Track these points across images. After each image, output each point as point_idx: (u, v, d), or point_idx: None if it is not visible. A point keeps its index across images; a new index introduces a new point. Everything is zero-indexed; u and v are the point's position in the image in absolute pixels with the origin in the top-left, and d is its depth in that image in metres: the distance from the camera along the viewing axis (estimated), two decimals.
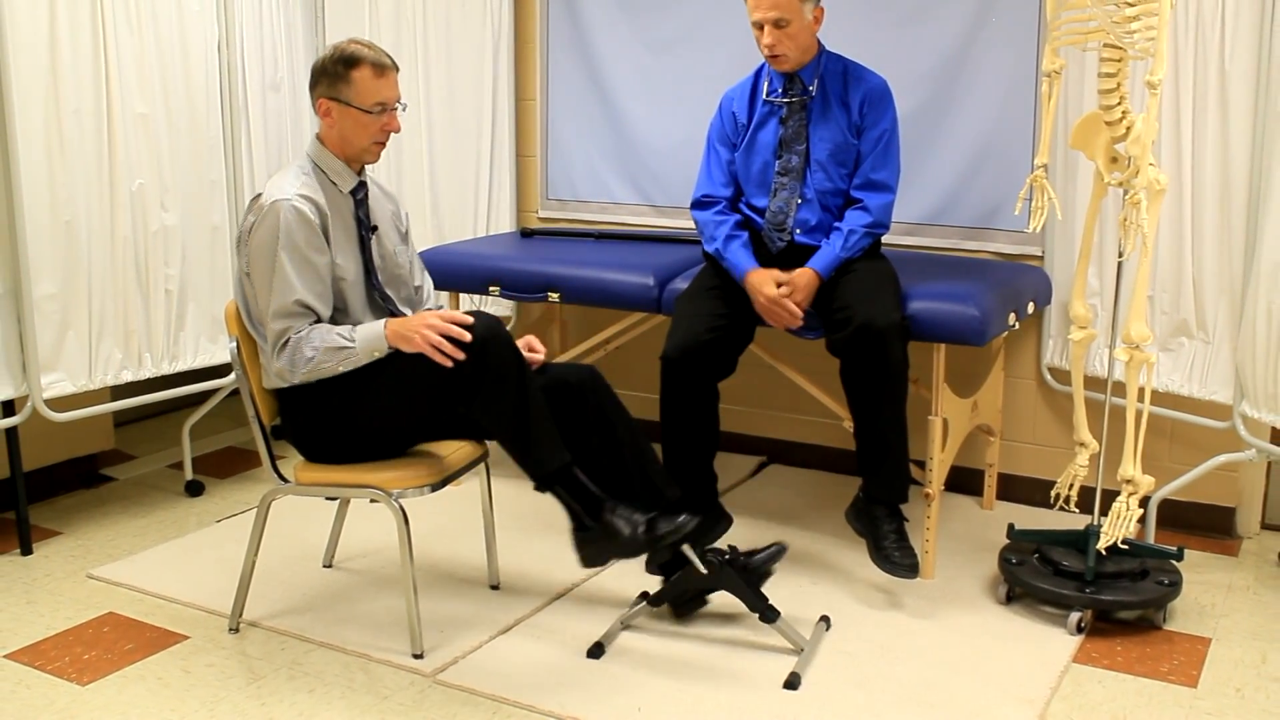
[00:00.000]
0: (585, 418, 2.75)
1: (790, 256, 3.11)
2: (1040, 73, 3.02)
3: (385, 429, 2.71)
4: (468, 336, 2.53)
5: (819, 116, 3.11)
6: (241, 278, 2.70)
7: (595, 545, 2.65)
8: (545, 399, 2.64)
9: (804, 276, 3.04)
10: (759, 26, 3.03)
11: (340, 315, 2.72)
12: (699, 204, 3.24)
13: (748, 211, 3.21)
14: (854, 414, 3.00)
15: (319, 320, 2.64)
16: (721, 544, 2.88)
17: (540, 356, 2.79)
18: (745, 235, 3.15)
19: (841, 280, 3.02)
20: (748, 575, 2.78)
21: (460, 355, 2.53)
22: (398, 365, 2.59)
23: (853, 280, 3.01)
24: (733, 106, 3.22)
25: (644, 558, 2.78)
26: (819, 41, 3.13)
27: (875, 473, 3.02)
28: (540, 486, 2.64)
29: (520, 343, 2.71)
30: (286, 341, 2.61)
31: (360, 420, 2.68)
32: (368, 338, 2.61)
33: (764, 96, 3.17)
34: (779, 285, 3.03)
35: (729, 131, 3.22)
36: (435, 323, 2.56)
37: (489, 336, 2.56)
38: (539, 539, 3.32)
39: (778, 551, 2.84)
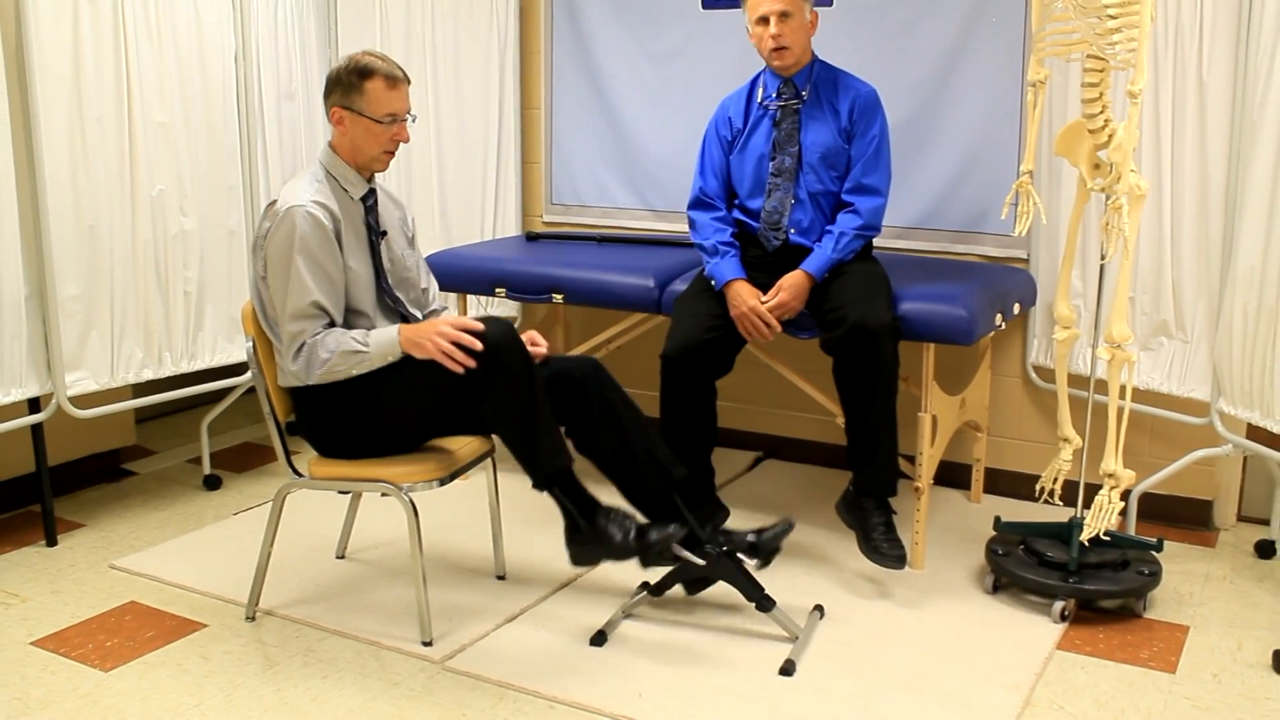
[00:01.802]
0: (590, 406, 2.75)
1: (784, 256, 3.11)
2: (1026, 83, 3.02)
3: (396, 426, 2.71)
4: (478, 345, 2.52)
5: (811, 120, 3.12)
6: (257, 281, 2.69)
7: (586, 547, 2.67)
8: (550, 392, 2.65)
9: (795, 278, 3.03)
10: (764, 21, 3.04)
11: (352, 317, 2.72)
12: (697, 203, 3.24)
13: (741, 215, 3.21)
14: (845, 410, 3.00)
15: (332, 322, 2.64)
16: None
17: (543, 350, 2.79)
18: (737, 248, 3.15)
19: (835, 282, 3.03)
20: (758, 552, 2.79)
21: (470, 363, 2.52)
22: (410, 367, 2.59)
23: (845, 282, 3.01)
24: (728, 111, 3.23)
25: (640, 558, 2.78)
26: (812, 49, 3.14)
27: (865, 467, 3.01)
28: (539, 486, 2.65)
29: (523, 338, 2.71)
30: (302, 345, 2.61)
31: (372, 418, 2.67)
32: (381, 343, 2.60)
33: (759, 101, 3.18)
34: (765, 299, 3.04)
35: (724, 135, 3.22)
36: (447, 330, 2.55)
37: (503, 341, 2.56)
38: (543, 531, 3.32)
39: (786, 528, 2.84)
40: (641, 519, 2.71)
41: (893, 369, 2.94)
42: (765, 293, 3.08)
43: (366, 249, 2.76)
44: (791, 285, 3.04)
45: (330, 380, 2.62)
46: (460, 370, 2.53)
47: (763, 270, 3.13)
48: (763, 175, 3.15)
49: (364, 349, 2.60)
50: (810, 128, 3.12)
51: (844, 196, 3.11)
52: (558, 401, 2.68)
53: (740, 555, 2.77)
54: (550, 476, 2.63)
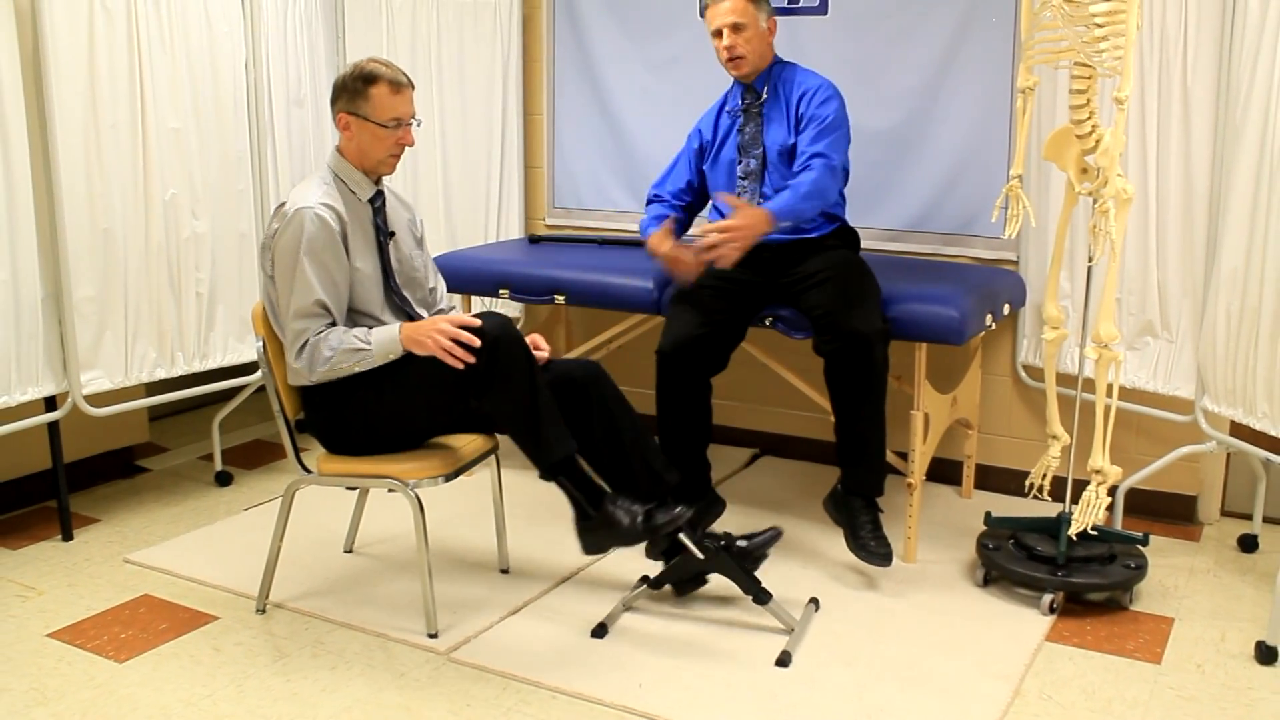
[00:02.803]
0: (590, 410, 2.75)
1: (755, 254, 3.11)
2: (1015, 89, 3.02)
3: (401, 423, 2.71)
4: (477, 342, 2.53)
5: (770, 121, 3.15)
6: (266, 281, 2.70)
7: (596, 534, 2.66)
8: (551, 393, 2.65)
9: (755, 211, 2.93)
10: (718, 34, 3.09)
11: (361, 316, 2.72)
12: (648, 201, 3.32)
13: (715, 217, 3.23)
14: (836, 411, 3.00)
15: (334, 322, 2.65)
16: (718, 529, 2.89)
17: (545, 354, 2.80)
18: (666, 216, 3.20)
19: (826, 284, 3.01)
20: (745, 558, 2.79)
21: (470, 358, 2.53)
22: (413, 365, 2.60)
23: (837, 285, 3.00)
24: (700, 125, 3.29)
25: (644, 546, 2.78)
26: (774, 52, 3.18)
27: (854, 466, 3.01)
28: (545, 475, 2.65)
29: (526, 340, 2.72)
30: (305, 343, 2.61)
31: (378, 415, 2.68)
32: (383, 340, 2.61)
33: (727, 110, 3.21)
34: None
35: (694, 147, 3.29)
36: (446, 327, 2.55)
37: (500, 334, 2.56)
38: (546, 526, 3.32)
39: (774, 536, 2.84)
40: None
41: (883, 373, 2.94)
42: (751, 305, 3.12)
43: (374, 249, 2.76)
44: (749, 213, 2.91)
45: (333, 377, 2.63)
46: (460, 366, 2.54)
47: (744, 268, 3.13)
48: (733, 179, 3.18)
49: (366, 346, 2.60)
50: (771, 128, 3.15)
51: (795, 166, 3.08)
52: (559, 403, 2.68)
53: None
54: (556, 465, 2.62)
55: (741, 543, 2.81)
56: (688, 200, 3.32)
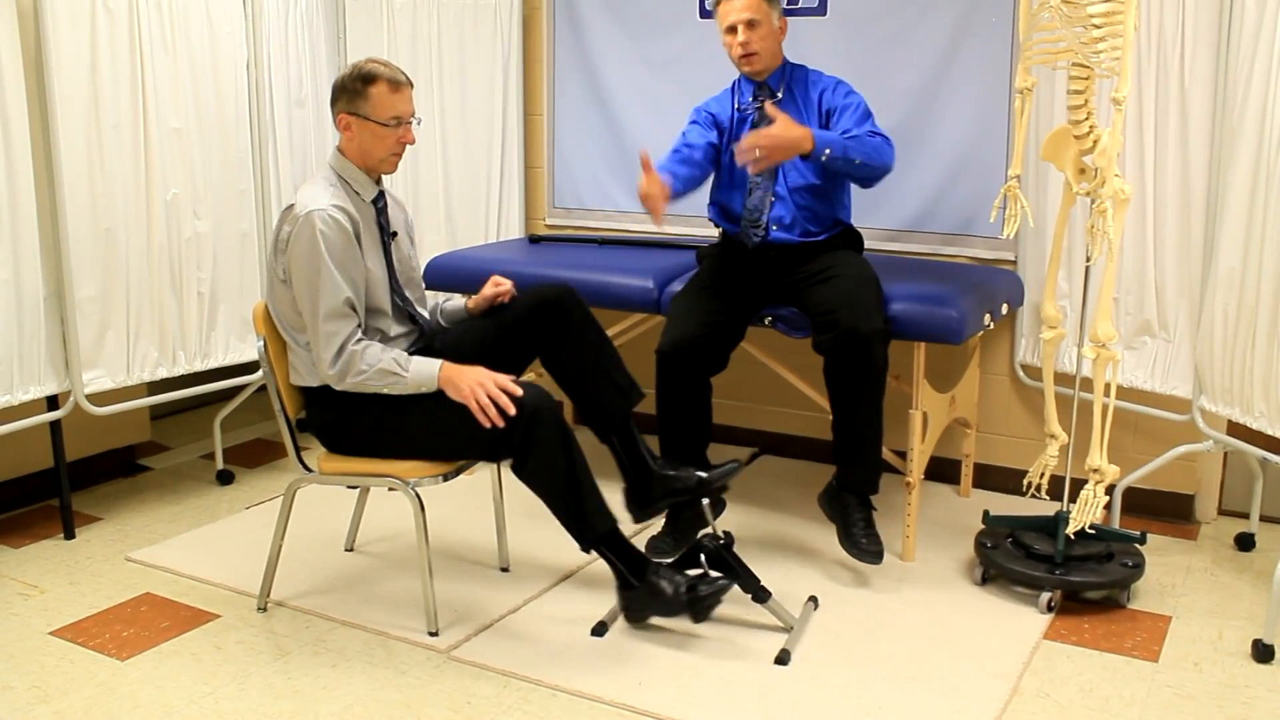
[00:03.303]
0: (562, 328, 2.80)
1: (765, 252, 3.11)
2: (1013, 90, 3.02)
3: (411, 447, 2.69)
4: (512, 410, 2.51)
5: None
6: (275, 283, 2.68)
7: (640, 603, 2.68)
8: (527, 316, 2.74)
9: (797, 127, 2.87)
10: (732, 30, 3.08)
11: (371, 316, 2.71)
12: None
13: (720, 218, 3.23)
14: (833, 408, 3.00)
15: (360, 323, 2.63)
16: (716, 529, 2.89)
17: (507, 287, 2.86)
18: (677, 169, 3.08)
19: (827, 283, 3.01)
20: (706, 488, 2.82)
21: (500, 422, 2.52)
22: (441, 403, 2.57)
23: (838, 284, 3.00)
24: (711, 110, 3.24)
25: (637, 529, 2.79)
26: (783, 53, 3.18)
27: (849, 464, 3.01)
28: (586, 548, 2.65)
29: (488, 282, 2.80)
30: (342, 349, 2.58)
31: (390, 433, 2.66)
32: (419, 373, 2.58)
33: (736, 107, 3.20)
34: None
35: (709, 115, 3.22)
36: (488, 385, 2.53)
37: (539, 406, 2.55)
38: (546, 525, 3.29)
39: (734, 468, 2.87)
40: (691, 573, 2.70)
41: (882, 372, 2.94)
42: (751, 305, 3.11)
43: (380, 249, 2.76)
44: (791, 125, 2.86)
45: (359, 391, 2.61)
46: (488, 425, 2.52)
47: (744, 269, 3.13)
48: (744, 175, 3.16)
49: (402, 374, 2.58)
50: None
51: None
52: (533, 324, 2.72)
53: (689, 492, 2.81)
54: (598, 540, 2.63)
55: (701, 474, 2.84)
56: (698, 158, 3.16)
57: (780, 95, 3.15)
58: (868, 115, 3.09)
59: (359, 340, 2.60)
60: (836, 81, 3.15)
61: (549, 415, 2.56)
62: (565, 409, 2.80)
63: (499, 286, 2.87)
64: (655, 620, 2.74)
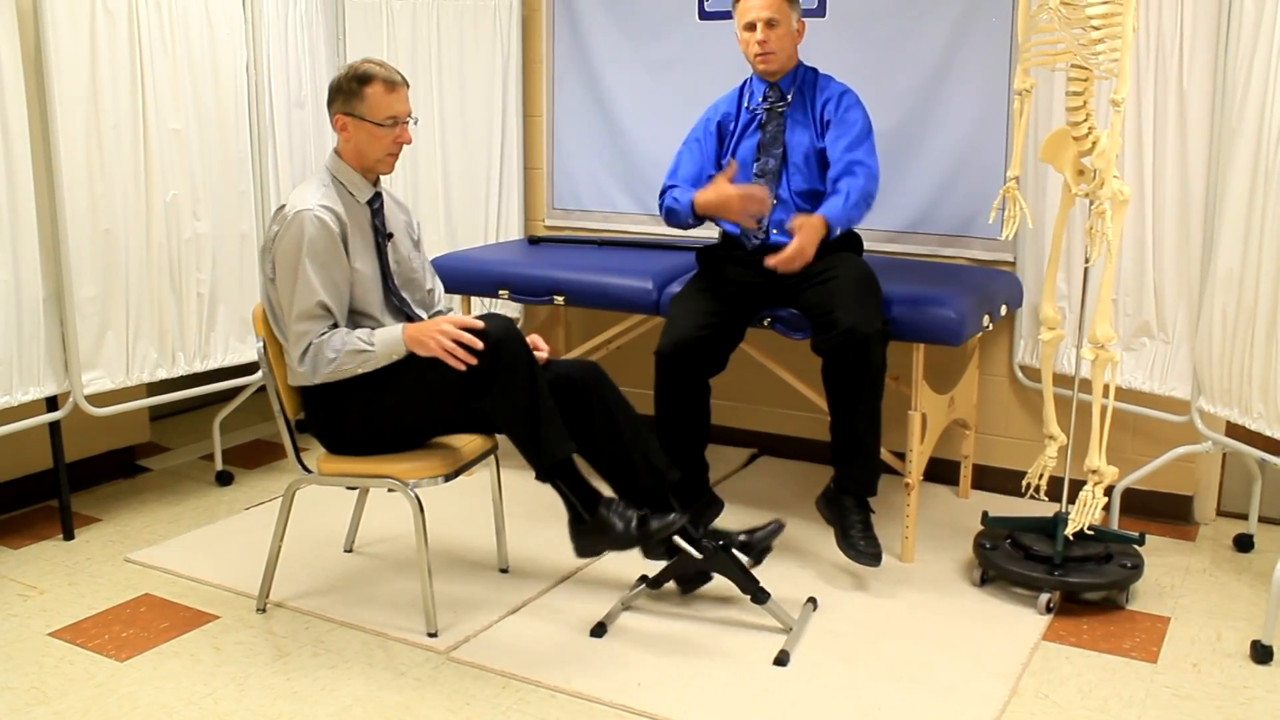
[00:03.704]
0: (590, 411, 2.74)
1: (764, 254, 3.10)
2: (1012, 91, 3.01)
3: (402, 423, 2.71)
4: (479, 344, 2.53)
5: (795, 123, 3.13)
6: (267, 283, 2.70)
7: (590, 537, 2.67)
8: (552, 395, 2.64)
9: (812, 220, 2.93)
10: (750, 27, 3.07)
11: (361, 317, 2.72)
12: (663, 193, 3.21)
13: (720, 220, 3.22)
14: (832, 410, 2.99)
15: (336, 324, 2.65)
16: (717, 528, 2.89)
17: (544, 353, 2.79)
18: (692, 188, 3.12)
19: (827, 284, 3.00)
20: (748, 551, 2.79)
21: (472, 360, 2.53)
22: (415, 365, 2.59)
23: (837, 285, 2.98)
24: (719, 114, 3.24)
25: (641, 548, 2.78)
26: (798, 56, 3.16)
27: (847, 466, 3.01)
28: (542, 477, 2.64)
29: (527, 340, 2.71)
30: (309, 346, 2.61)
31: (379, 416, 2.67)
32: (386, 341, 2.61)
33: (746, 106, 3.19)
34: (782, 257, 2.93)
35: (710, 133, 3.23)
36: (449, 329, 2.55)
37: (503, 335, 2.56)
38: (545, 526, 3.32)
39: (775, 529, 2.85)
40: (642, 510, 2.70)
41: (880, 374, 2.94)
42: (750, 306, 3.09)
43: (373, 250, 2.76)
44: (809, 226, 2.90)
45: (337, 379, 2.62)
46: (463, 367, 2.53)
47: (744, 269, 3.12)
48: (747, 176, 3.16)
49: (369, 348, 2.60)
50: (795, 130, 3.14)
51: (834, 168, 3.06)
52: (558, 405, 2.67)
53: (734, 551, 2.78)
54: (553, 468, 2.62)
55: (743, 537, 2.81)
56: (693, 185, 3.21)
57: (790, 98, 3.15)
58: (864, 137, 3.08)
59: (322, 334, 2.62)
60: (843, 91, 3.14)
61: (511, 342, 2.57)
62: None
63: (537, 350, 2.74)
64: (608, 554, 2.73)
